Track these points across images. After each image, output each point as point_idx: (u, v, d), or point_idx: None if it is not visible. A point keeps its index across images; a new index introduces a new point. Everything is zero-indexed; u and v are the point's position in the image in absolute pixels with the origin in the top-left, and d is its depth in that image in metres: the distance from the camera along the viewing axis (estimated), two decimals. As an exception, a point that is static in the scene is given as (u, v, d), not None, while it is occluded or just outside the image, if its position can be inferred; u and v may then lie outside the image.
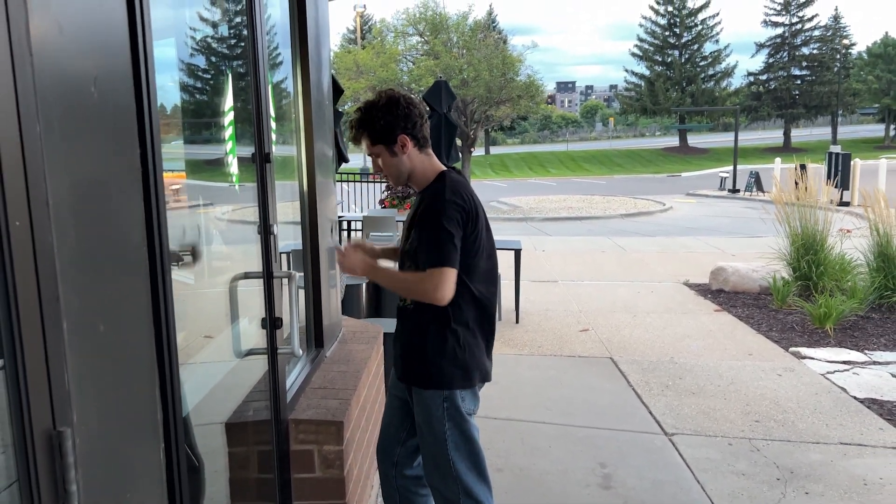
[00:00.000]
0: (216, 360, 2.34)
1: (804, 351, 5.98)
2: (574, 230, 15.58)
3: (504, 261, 6.92)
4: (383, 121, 2.28)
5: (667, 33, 52.83)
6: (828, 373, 5.44)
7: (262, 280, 2.43)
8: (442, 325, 2.31)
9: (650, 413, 4.65)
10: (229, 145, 2.49)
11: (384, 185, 12.81)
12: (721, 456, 4.00)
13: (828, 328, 6.50)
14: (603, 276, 9.45)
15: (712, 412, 4.67)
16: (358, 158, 35.49)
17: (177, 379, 1.54)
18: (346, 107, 26.94)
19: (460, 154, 15.54)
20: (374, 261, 2.56)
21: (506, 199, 23.88)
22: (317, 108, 3.35)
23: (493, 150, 57.67)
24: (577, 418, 4.54)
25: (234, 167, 2.58)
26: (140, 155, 1.50)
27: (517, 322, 6.92)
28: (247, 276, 2.50)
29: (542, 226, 16.77)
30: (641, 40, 53.56)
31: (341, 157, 7.48)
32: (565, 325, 6.90)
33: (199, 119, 2.64)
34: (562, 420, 4.51)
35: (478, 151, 40.61)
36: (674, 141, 55.67)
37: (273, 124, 2.61)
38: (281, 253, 2.80)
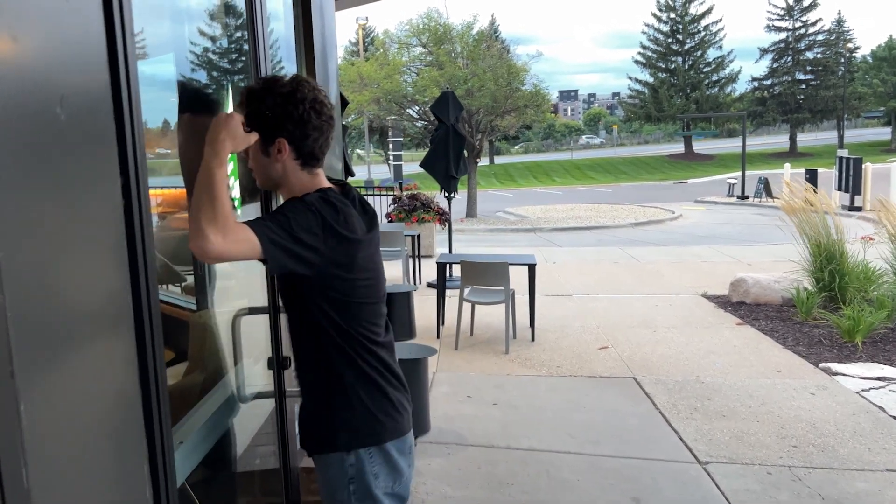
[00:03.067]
0: (218, 403, 2.10)
1: (835, 367, 5.71)
2: (584, 240, 15.33)
3: (518, 276, 6.76)
4: (270, 111, 1.72)
5: (670, 40, 52.65)
6: (862, 390, 5.17)
7: (267, 315, 2.21)
8: None
9: (680, 439, 4.38)
10: (230, 166, 2.27)
11: (391, 197, 12.59)
12: (761, 487, 3.74)
13: (857, 342, 6.23)
14: (618, 289, 9.19)
15: (746, 436, 4.40)
16: (361, 171, 35.43)
17: (171, 467, 1.30)
18: (349, 119, 26.86)
19: (466, 165, 15.37)
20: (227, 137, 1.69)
21: (512, 209, 23.66)
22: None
23: (497, 159, 57.54)
24: (604, 446, 4.28)
25: (235, 190, 2.35)
26: (122, 186, 1.27)
27: (533, 340, 6.67)
28: (251, 311, 2.28)
29: (551, 236, 16.53)
30: (644, 47, 53.40)
31: (347, 171, 7.26)
32: (583, 342, 6.64)
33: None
34: (588, 449, 4.25)
35: (483, 162, 40.49)
36: (679, 147, 55.43)
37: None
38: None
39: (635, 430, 4.56)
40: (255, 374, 2.25)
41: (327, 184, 1.84)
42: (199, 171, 1.59)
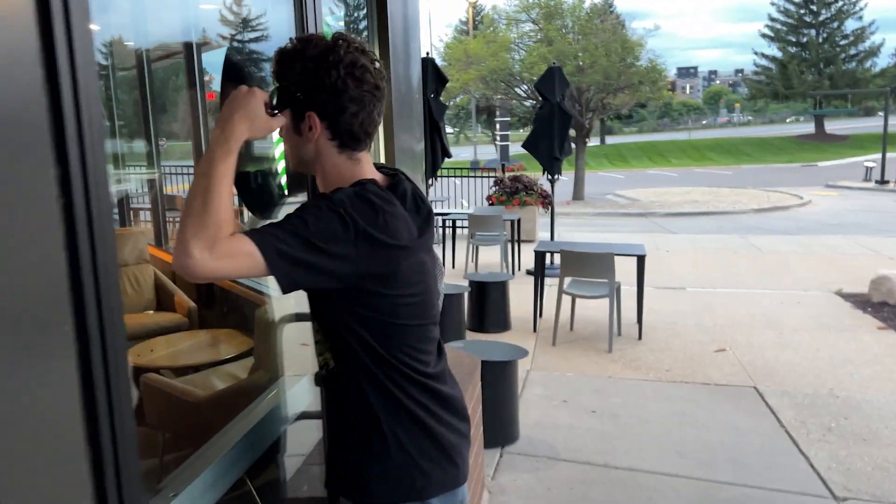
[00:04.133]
0: (255, 424, 1.79)
1: None
2: (701, 227, 14.32)
3: (624, 264, 6.17)
4: (298, 78, 1.36)
5: (802, 11, 48.80)
6: None
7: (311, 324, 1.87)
8: None
9: (811, 466, 3.77)
10: (279, 150, 1.95)
11: (493, 179, 12.16)
12: (915, 537, 3.10)
13: None
14: (738, 283, 8.38)
15: (893, 467, 3.72)
16: (468, 152, 35.13)
17: None
18: (457, 99, 26.56)
19: (573, 145, 14.68)
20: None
21: (623, 191, 22.64)
22: (400, 101, 2.78)
23: (609, 139, 55.67)
24: (720, 471, 3.73)
25: (283, 177, 2.02)
26: (59, 178, 0.94)
27: (640, 338, 6.10)
28: (298, 317, 1.95)
29: (664, 222, 15.58)
30: (773, 20, 49.81)
31: (444, 152, 6.89)
32: (696, 342, 6.01)
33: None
34: (700, 472, 3.71)
35: (593, 142, 39.18)
36: (808, 127, 51.58)
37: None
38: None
39: (757, 452, 3.97)
40: (301, 390, 1.93)
41: (372, 173, 1.46)
42: (202, 159, 1.25)
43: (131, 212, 7.91)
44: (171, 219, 7.60)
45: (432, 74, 6.94)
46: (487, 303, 6.43)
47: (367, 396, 1.41)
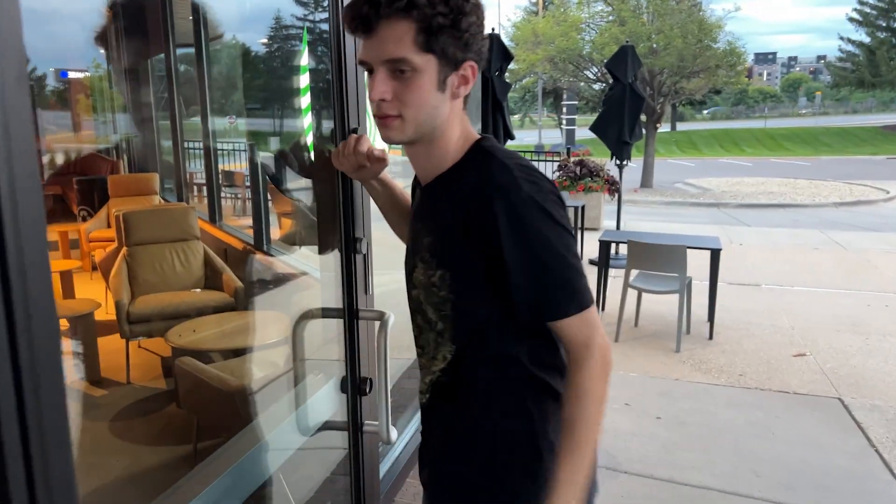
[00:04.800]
0: (273, 437, 1.55)
1: None
2: (776, 220, 13.55)
3: (695, 258, 5.76)
4: (464, 23, 1.15)
5: (895, -7, 45.96)
6: None
7: (341, 321, 1.62)
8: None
9: (907, 495, 3.34)
10: (307, 121, 1.69)
11: (556, 163, 11.73)
12: None
13: None
14: (819, 281, 7.79)
15: None
16: (532, 136, 34.49)
17: None
18: (522, 81, 25.99)
19: (644, 130, 14.05)
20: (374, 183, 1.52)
21: (694, 180, 21.75)
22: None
23: (680, 126, 53.88)
24: (800, 495, 3.35)
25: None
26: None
27: (710, 338, 5.67)
28: (323, 313, 1.70)
29: (736, 213, 14.83)
30: (862, 3, 47.08)
31: (507, 134, 6.57)
32: (773, 345, 5.55)
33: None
34: (779, 495, 3.33)
35: (663, 128, 37.92)
36: (895, 118, 48.70)
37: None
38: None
39: (843, 475, 3.55)
40: (324, 397, 1.69)
41: (474, 132, 1.30)
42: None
43: (194, 187, 7.87)
44: (225, 195, 7.50)
45: (497, 51, 6.60)
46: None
47: (525, 408, 1.26)
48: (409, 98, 1.15)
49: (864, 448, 3.83)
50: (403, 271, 1.36)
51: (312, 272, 3.68)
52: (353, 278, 1.61)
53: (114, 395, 4.03)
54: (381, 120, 1.18)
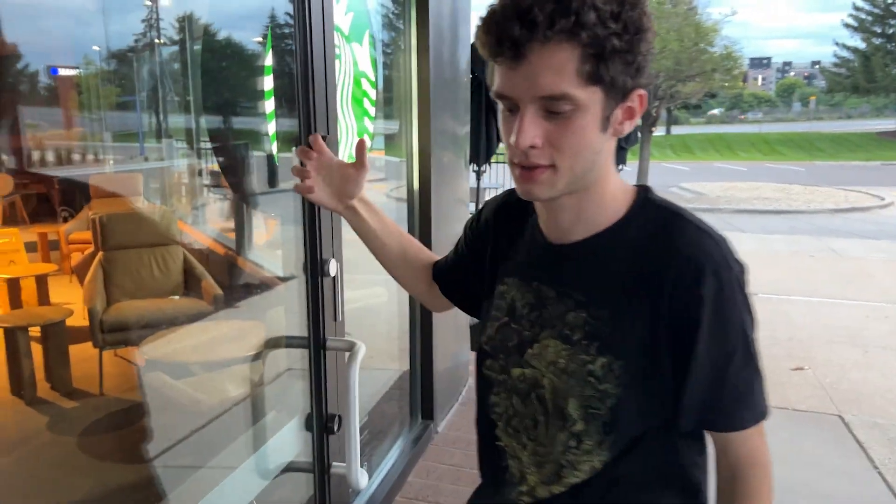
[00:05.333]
0: (230, 481, 1.39)
1: None
2: (772, 226, 13.44)
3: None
4: (642, 45, 0.90)
5: (890, 0, 46.06)
6: None
7: (306, 352, 1.46)
8: None
9: (912, 522, 3.19)
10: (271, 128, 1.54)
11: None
12: None
13: None
14: (815, 290, 7.66)
15: None
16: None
17: None
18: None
19: (639, 134, 13.92)
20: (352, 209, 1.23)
21: (688, 184, 21.65)
22: (442, 84, 2.35)
23: (675, 129, 53.88)
24: (801, 521, 3.20)
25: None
26: None
27: (706, 350, 5.52)
28: (286, 342, 1.54)
29: (732, 219, 14.72)
30: (858, 9, 47.16)
31: (499, 137, 6.42)
32: (771, 358, 5.39)
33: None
34: (777, 522, 3.18)
35: (658, 131, 37.85)
36: (890, 124, 48.80)
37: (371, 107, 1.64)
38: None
39: (846, 497, 3.40)
40: (287, 435, 1.53)
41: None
42: None
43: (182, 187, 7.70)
44: (215, 198, 7.32)
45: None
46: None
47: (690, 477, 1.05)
48: (567, 144, 0.90)
49: (865, 469, 3.69)
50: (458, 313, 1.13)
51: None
52: (319, 304, 1.45)
53: (85, 407, 3.85)
54: (526, 172, 0.92)
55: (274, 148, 1.57)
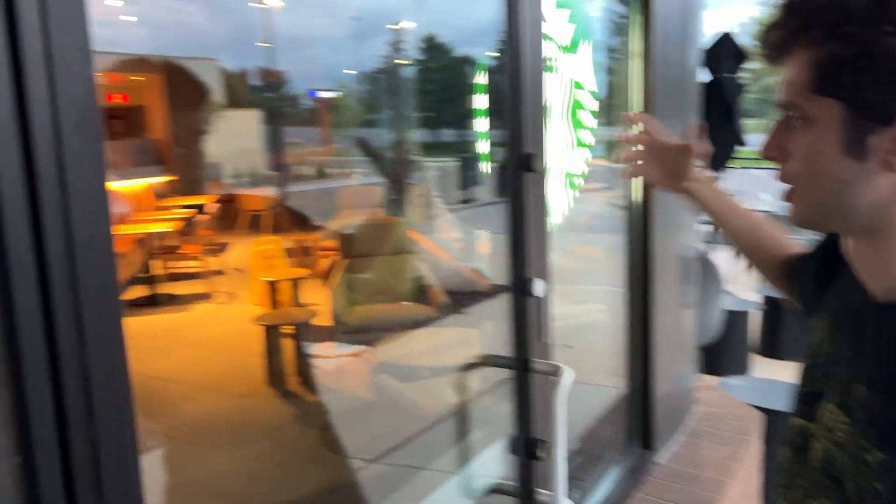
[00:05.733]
0: (436, 489, 1.40)
1: None
2: None
3: None
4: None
5: None
6: None
7: (513, 372, 1.43)
8: None
9: None
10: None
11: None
12: None
13: None
14: None
15: None
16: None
17: None
18: (765, 80, 23.78)
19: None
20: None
21: None
22: (668, 86, 2.21)
23: None
24: None
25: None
26: None
27: None
28: (491, 362, 1.52)
29: None
30: None
31: (736, 140, 5.97)
32: None
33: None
34: None
35: None
36: None
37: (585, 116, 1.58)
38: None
39: None
40: (491, 457, 1.51)
41: None
42: None
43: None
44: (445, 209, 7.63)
45: (729, 51, 5.99)
46: (788, 322, 5.38)
47: None
48: (795, 159, 0.80)
49: None
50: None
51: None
52: (523, 325, 1.42)
53: (325, 402, 4.21)
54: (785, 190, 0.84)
55: (487, 165, 1.59)
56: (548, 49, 1.81)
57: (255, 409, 4.13)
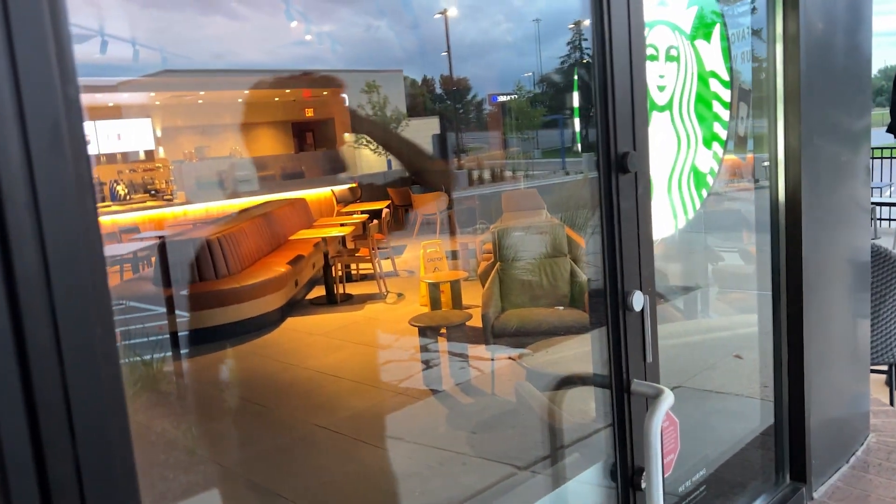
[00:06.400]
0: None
1: None
2: None
3: None
4: None
5: None
6: None
7: (607, 393, 1.31)
8: None
9: None
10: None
11: None
12: None
13: None
14: None
15: None
16: None
17: None
18: None
19: None
20: None
21: None
22: (828, 69, 1.92)
23: None
24: None
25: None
26: None
27: None
28: (592, 379, 1.41)
29: None
30: None
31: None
32: None
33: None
34: None
35: None
36: None
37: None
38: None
39: None
40: (589, 480, 1.39)
41: None
42: None
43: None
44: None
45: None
46: None
47: None
48: None
49: None
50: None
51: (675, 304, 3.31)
52: (621, 342, 1.29)
53: (477, 405, 4.21)
54: None
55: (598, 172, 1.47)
56: (665, 36, 1.65)
57: (410, 408, 4.24)
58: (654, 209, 1.44)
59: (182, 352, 5.39)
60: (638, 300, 1.29)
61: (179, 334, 5.68)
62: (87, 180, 0.66)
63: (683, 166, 1.72)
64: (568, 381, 1.44)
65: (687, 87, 1.73)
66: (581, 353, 3.78)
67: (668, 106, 1.68)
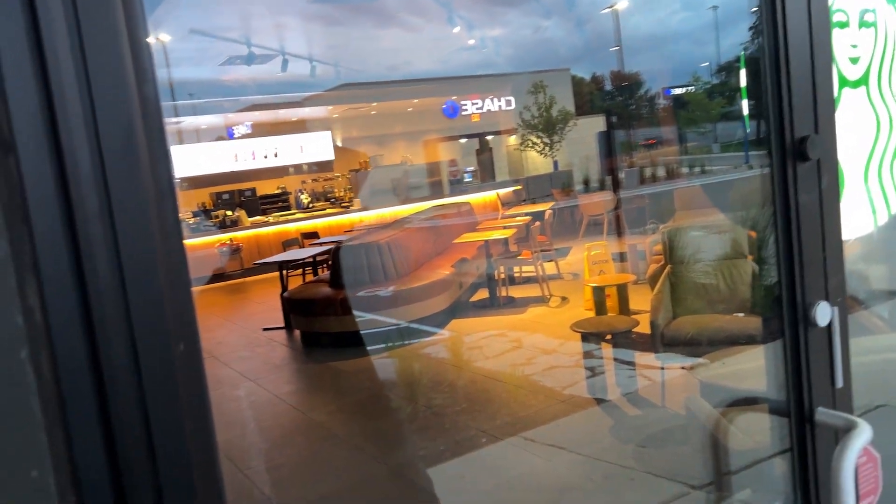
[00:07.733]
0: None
1: None
2: None
3: None
4: None
5: None
6: None
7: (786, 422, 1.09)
8: None
9: None
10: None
11: None
12: None
13: None
14: None
15: None
16: None
17: None
18: None
19: None
20: None
21: None
22: None
23: None
24: None
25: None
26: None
27: None
28: (764, 405, 1.19)
29: None
30: None
31: None
32: None
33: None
34: None
35: None
36: None
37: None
38: None
39: None
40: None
41: None
42: None
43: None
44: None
45: None
46: None
47: None
48: None
49: None
50: None
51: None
52: (801, 363, 1.07)
53: (645, 417, 3.95)
54: None
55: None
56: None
57: (573, 416, 4.08)
58: (846, 203, 1.20)
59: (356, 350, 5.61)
60: (823, 313, 1.06)
61: (352, 333, 5.91)
62: (168, 186, 0.62)
63: (885, 151, 1.43)
64: (746, 401, 1.24)
65: (887, 58, 1.44)
66: (763, 366, 3.41)
67: (864, 80, 1.41)
